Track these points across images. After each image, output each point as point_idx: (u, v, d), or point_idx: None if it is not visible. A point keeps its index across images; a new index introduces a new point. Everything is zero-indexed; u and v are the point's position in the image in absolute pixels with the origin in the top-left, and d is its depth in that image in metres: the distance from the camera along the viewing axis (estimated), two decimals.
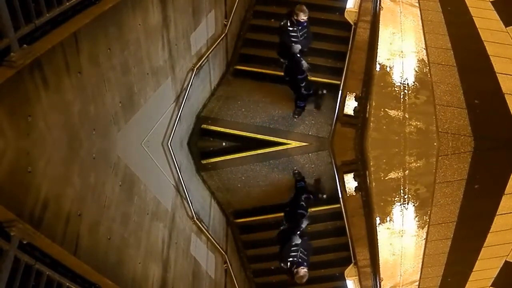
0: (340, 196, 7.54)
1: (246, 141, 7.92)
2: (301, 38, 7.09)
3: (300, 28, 7.02)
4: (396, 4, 8.87)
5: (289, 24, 7.01)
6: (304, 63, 7.32)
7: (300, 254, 6.45)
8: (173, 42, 6.23)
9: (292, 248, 6.62)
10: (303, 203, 7.76)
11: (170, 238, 6.04)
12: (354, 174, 7.94)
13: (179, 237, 6.32)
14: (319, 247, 7.27)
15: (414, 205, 7.01)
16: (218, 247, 6.91)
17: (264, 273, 7.28)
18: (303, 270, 6.14)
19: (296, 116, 7.99)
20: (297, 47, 7.10)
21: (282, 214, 7.74)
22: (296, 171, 8.17)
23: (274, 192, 8.07)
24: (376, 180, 7.19)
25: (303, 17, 6.90)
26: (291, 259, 6.40)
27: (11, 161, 3.36)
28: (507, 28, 8.37)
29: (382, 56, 7.76)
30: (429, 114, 7.14)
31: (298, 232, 7.11)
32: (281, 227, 7.38)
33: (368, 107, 7.23)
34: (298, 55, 7.21)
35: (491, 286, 5.78)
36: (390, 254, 6.33)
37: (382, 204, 7.07)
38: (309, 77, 7.65)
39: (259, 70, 8.21)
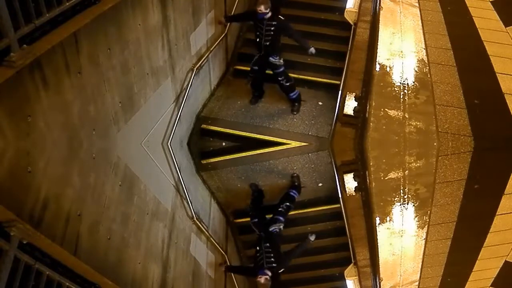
0: (340, 196, 7.53)
1: (246, 141, 7.91)
2: (266, 33, 7.11)
3: (266, 21, 7.04)
4: (396, 4, 8.87)
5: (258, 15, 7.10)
6: (273, 59, 7.37)
7: (267, 259, 6.38)
8: (173, 42, 6.23)
9: (257, 254, 6.55)
10: (281, 209, 7.60)
11: (170, 238, 6.04)
12: (354, 174, 7.93)
13: (179, 237, 6.32)
14: (319, 247, 7.27)
15: (414, 205, 7.01)
16: (218, 247, 6.91)
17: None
18: (263, 278, 6.01)
19: (295, 113, 7.99)
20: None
21: None
22: (295, 175, 8.12)
23: (274, 192, 8.07)
24: (376, 180, 7.19)
25: (262, 9, 6.93)
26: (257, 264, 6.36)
27: (11, 161, 3.36)
28: (507, 28, 8.37)
29: (382, 56, 7.76)
30: (429, 114, 7.14)
31: (265, 236, 7.02)
32: (257, 233, 7.25)
33: (368, 107, 7.23)
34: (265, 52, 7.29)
35: (491, 286, 5.78)
36: (390, 254, 6.33)
37: (382, 204, 7.07)
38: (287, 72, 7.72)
39: None
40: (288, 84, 7.72)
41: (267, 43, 7.22)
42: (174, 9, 6.07)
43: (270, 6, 6.97)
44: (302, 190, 7.99)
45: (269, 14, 7.02)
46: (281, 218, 7.40)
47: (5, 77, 3.29)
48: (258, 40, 7.30)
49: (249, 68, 7.88)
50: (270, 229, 7.14)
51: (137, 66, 5.27)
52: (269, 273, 6.06)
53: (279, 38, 7.27)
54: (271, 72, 7.69)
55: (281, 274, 6.37)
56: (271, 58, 7.39)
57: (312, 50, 7.19)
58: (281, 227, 7.21)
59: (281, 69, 7.55)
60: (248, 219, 7.79)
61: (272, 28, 7.10)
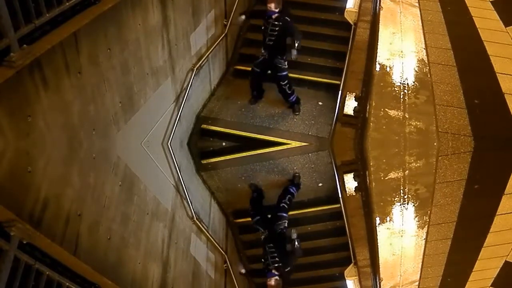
0: (340, 196, 7.53)
1: (246, 141, 7.91)
2: (270, 32, 7.13)
3: (272, 20, 7.05)
4: (396, 4, 8.87)
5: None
6: (278, 60, 7.34)
7: (271, 260, 6.35)
8: (173, 42, 6.23)
9: (263, 253, 6.52)
10: (284, 204, 7.55)
11: (170, 238, 6.04)
12: (354, 174, 7.93)
13: (179, 237, 6.32)
14: (319, 247, 7.27)
15: (414, 205, 7.01)
16: (218, 247, 6.91)
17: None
18: (272, 280, 5.99)
19: (297, 113, 8.00)
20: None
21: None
22: (297, 174, 8.11)
23: (274, 192, 8.07)
24: (376, 180, 7.19)
25: (272, 7, 6.98)
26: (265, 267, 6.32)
27: (11, 161, 3.36)
28: (507, 28, 8.38)
29: (382, 56, 7.76)
30: (429, 114, 7.14)
31: (269, 236, 6.99)
32: (262, 237, 7.15)
33: (368, 107, 7.23)
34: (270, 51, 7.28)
35: (491, 286, 5.78)
36: (390, 254, 6.33)
37: (382, 204, 7.06)
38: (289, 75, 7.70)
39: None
40: (289, 91, 7.73)
41: (271, 43, 7.22)
42: (174, 9, 6.07)
43: (280, 7, 7.00)
44: (302, 190, 7.98)
45: (277, 14, 7.03)
46: (284, 214, 7.38)
47: (5, 77, 3.29)
48: (263, 39, 7.30)
49: (249, 68, 7.88)
50: (276, 228, 7.11)
51: (137, 66, 5.27)
52: (277, 273, 6.06)
53: (283, 39, 7.25)
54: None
55: (290, 273, 6.37)
56: (276, 60, 7.36)
57: (295, 53, 7.11)
58: (286, 224, 7.20)
59: (285, 73, 7.50)
60: (249, 219, 7.78)
61: (277, 29, 7.10)
